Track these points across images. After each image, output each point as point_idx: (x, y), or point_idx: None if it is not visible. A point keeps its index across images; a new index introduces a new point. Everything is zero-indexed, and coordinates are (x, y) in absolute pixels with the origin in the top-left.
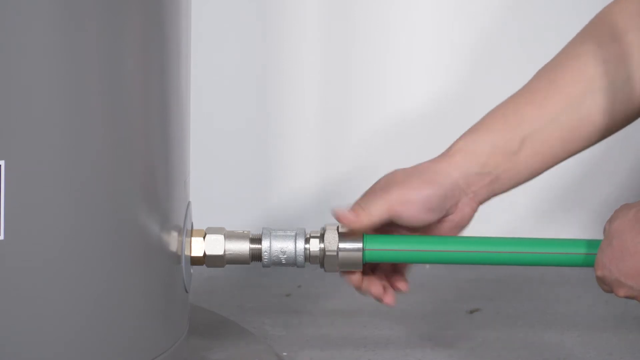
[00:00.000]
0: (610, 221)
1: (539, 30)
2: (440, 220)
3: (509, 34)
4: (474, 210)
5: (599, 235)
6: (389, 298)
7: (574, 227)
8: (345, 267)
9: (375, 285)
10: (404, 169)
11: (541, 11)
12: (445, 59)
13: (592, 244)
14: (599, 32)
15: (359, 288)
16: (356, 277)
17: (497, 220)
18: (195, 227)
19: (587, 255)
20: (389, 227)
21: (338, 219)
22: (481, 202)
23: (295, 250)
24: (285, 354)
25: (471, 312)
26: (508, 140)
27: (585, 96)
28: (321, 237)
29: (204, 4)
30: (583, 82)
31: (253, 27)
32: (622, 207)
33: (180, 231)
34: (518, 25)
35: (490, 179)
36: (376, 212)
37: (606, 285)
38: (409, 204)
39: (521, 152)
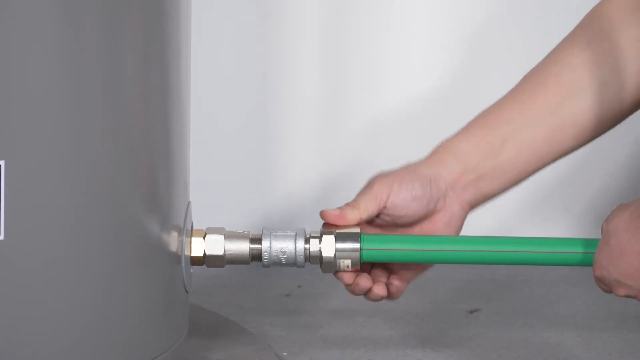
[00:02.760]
0: (607, 221)
1: (535, 25)
2: (430, 219)
3: (506, 30)
4: (465, 211)
5: (594, 234)
6: (379, 288)
7: (570, 226)
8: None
9: (363, 280)
10: (390, 170)
11: (538, 7)
12: (442, 56)
13: (589, 243)
14: (590, 30)
15: (349, 285)
16: (348, 276)
17: (494, 220)
18: (195, 227)
19: (584, 255)
20: (380, 228)
21: (323, 217)
22: (472, 204)
23: (295, 250)
24: (285, 354)
25: (471, 312)
26: (488, 141)
27: (569, 97)
28: (320, 238)
29: (204, 4)
30: (567, 84)
31: (253, 27)
32: (618, 207)
33: (180, 231)
34: (515, 21)
35: (474, 176)
36: (364, 207)
37: (605, 285)
38: (393, 192)
39: (503, 151)
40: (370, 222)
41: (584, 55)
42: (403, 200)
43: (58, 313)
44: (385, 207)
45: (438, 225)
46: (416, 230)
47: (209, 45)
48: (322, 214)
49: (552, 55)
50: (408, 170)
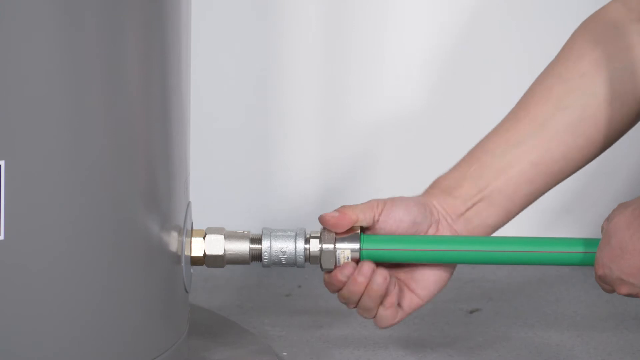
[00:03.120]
0: (608, 220)
1: (537, 26)
2: None
3: (507, 30)
4: None
5: (595, 236)
6: (382, 272)
7: (570, 227)
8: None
9: (366, 265)
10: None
11: (538, 7)
12: (443, 55)
13: (590, 242)
14: (596, 33)
15: (349, 276)
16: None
17: None
18: (195, 227)
19: (585, 254)
20: None
21: (324, 222)
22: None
23: (295, 250)
24: (285, 354)
25: (471, 312)
26: (472, 172)
27: (553, 116)
28: (320, 237)
29: (204, 4)
30: (550, 102)
31: (253, 27)
32: (619, 206)
33: (180, 231)
34: (516, 21)
35: (464, 208)
36: (360, 210)
37: (607, 285)
38: (387, 207)
39: (489, 181)
40: None
41: (573, 70)
42: (396, 213)
43: (58, 313)
44: (378, 220)
45: None
46: None
47: (209, 45)
48: (320, 218)
49: (541, 75)
50: (401, 197)
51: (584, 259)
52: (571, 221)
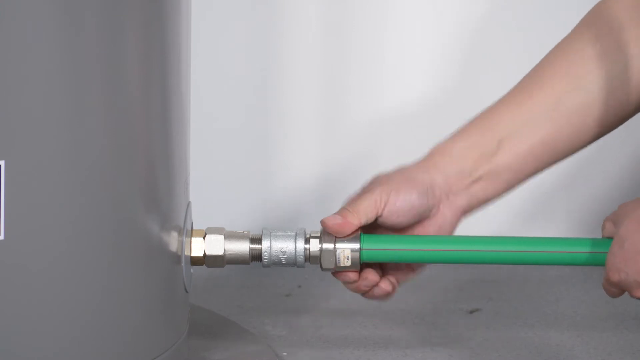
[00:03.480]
0: (616, 223)
1: (537, 25)
2: (422, 224)
3: (507, 29)
4: (456, 217)
5: (592, 234)
6: (385, 283)
7: (570, 228)
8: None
9: (371, 274)
10: (387, 172)
11: (539, 7)
12: (443, 54)
13: (594, 242)
14: (594, 26)
15: (354, 282)
16: (352, 275)
17: (493, 221)
18: (195, 227)
19: (589, 254)
20: (372, 230)
21: (326, 227)
22: (465, 210)
23: (295, 250)
24: (285, 354)
25: (471, 312)
26: (485, 142)
27: (568, 95)
28: (320, 237)
29: (204, 4)
30: (566, 81)
31: (253, 26)
32: (622, 207)
33: (180, 231)
34: (516, 20)
35: (470, 180)
36: (363, 212)
37: (620, 290)
38: (391, 200)
39: (499, 154)
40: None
41: (589, 50)
42: (400, 208)
43: (58, 313)
44: (382, 215)
45: (429, 230)
46: (408, 233)
47: (209, 45)
48: (323, 223)
49: (554, 53)
50: (406, 177)
51: (588, 260)
52: (569, 221)
